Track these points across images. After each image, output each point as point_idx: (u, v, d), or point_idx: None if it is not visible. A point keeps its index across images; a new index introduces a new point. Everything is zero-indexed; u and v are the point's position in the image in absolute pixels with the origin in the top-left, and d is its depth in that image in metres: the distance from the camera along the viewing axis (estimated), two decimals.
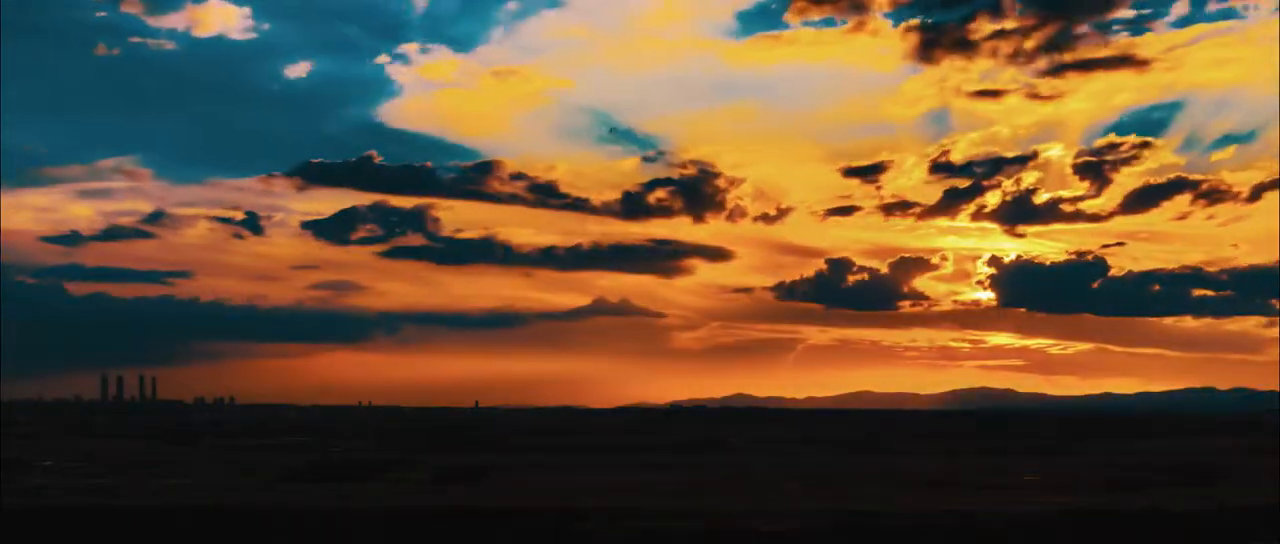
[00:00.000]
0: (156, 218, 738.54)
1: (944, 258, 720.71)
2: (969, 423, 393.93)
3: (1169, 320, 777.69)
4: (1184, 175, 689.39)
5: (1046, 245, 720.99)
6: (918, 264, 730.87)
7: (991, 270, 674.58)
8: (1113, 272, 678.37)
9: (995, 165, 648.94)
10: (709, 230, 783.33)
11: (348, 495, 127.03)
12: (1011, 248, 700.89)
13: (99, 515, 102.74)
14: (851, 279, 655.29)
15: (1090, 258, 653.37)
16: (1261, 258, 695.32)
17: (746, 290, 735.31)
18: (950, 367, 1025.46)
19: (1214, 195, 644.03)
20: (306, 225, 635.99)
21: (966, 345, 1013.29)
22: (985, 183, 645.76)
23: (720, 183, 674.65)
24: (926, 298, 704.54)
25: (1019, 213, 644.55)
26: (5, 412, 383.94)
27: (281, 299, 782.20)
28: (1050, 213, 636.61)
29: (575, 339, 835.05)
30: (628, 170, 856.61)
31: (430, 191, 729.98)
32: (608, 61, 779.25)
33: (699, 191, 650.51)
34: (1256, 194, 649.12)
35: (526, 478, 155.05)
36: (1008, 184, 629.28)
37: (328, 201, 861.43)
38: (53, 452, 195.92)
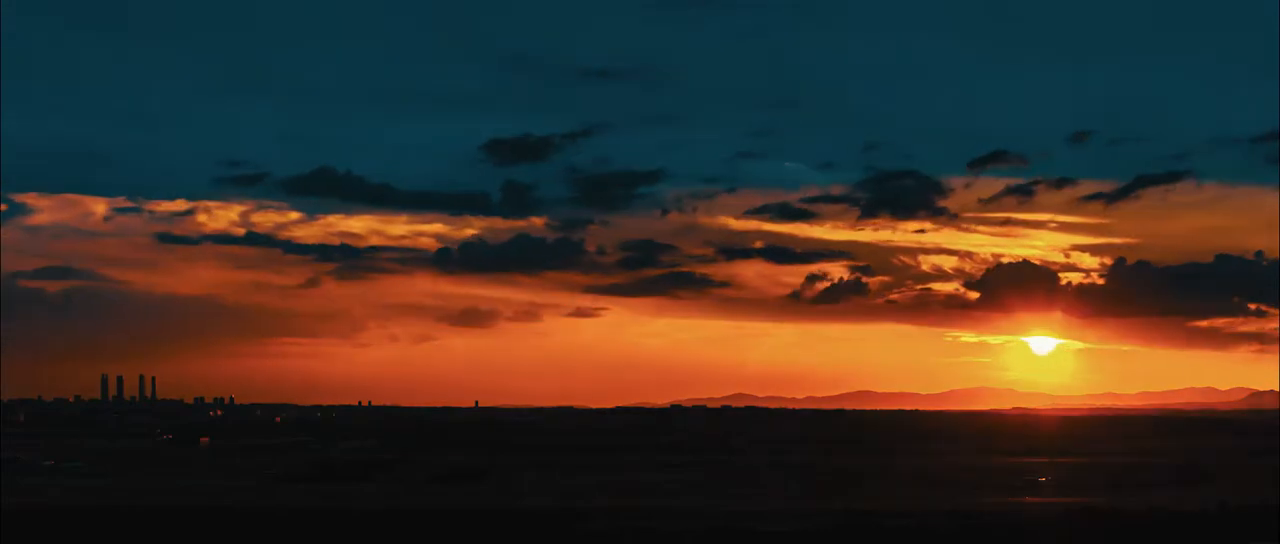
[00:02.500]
0: None
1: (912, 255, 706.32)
2: (969, 422, 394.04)
3: (1168, 319, 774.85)
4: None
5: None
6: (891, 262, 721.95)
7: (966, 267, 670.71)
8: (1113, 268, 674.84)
9: None
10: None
11: (348, 495, 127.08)
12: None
13: (99, 515, 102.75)
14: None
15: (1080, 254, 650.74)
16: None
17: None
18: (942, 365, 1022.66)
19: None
20: None
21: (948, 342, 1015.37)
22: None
23: None
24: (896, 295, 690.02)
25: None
26: (5, 411, 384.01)
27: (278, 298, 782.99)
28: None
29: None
30: None
31: None
32: None
33: None
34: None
35: (526, 478, 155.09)
36: None
37: None
38: (53, 452, 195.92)
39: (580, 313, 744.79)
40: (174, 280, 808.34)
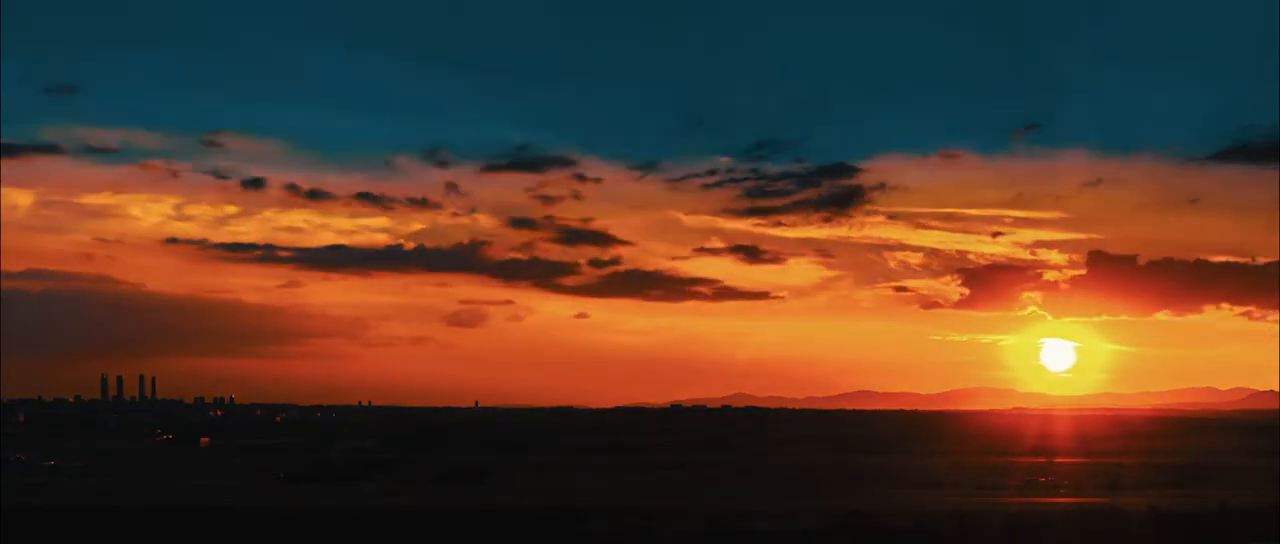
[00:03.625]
0: None
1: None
2: (969, 422, 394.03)
3: (1163, 318, 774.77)
4: None
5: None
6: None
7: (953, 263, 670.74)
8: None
9: None
10: None
11: (348, 495, 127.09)
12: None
13: (99, 515, 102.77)
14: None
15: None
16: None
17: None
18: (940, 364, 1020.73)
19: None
20: None
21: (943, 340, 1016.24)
22: None
23: None
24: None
25: None
26: (5, 411, 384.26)
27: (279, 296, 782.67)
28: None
29: None
30: None
31: None
32: None
33: None
34: None
35: (526, 478, 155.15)
36: None
37: None
38: (53, 452, 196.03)
39: (571, 313, 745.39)
40: (142, 277, 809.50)
